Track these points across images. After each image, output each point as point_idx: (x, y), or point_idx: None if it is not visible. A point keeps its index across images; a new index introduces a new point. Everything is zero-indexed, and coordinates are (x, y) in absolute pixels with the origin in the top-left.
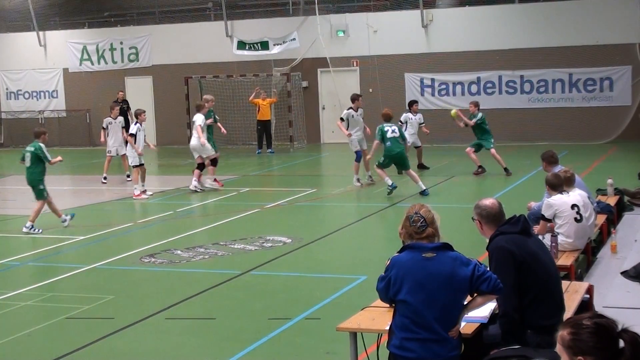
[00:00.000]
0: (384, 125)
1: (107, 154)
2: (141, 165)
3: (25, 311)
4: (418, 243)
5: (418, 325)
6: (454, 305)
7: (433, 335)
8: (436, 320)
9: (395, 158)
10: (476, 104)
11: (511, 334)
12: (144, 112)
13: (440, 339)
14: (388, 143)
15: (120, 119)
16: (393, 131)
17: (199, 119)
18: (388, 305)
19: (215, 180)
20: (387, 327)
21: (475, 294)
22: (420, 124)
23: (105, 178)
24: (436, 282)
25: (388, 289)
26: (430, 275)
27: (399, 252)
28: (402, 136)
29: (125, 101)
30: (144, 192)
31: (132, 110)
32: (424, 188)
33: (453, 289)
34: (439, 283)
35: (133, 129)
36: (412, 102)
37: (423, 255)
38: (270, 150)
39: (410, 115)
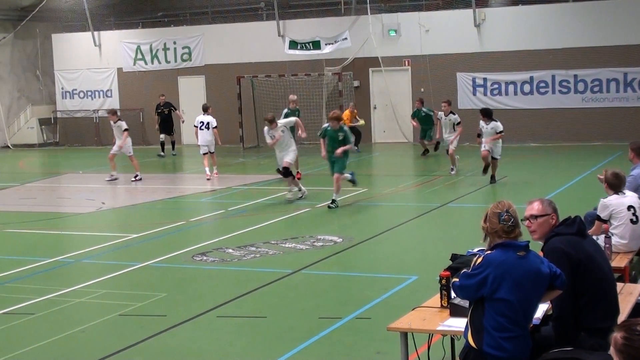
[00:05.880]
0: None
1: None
2: (205, 154)
3: (79, 308)
4: (510, 241)
5: (514, 323)
6: (538, 302)
7: (524, 331)
8: (528, 317)
9: None
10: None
11: (564, 336)
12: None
13: (527, 335)
14: None
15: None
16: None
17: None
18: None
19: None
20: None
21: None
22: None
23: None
24: (530, 280)
25: (480, 287)
26: (526, 274)
27: (490, 250)
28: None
29: (167, 104)
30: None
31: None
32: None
33: (541, 285)
34: (532, 281)
35: (213, 122)
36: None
37: (517, 253)
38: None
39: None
